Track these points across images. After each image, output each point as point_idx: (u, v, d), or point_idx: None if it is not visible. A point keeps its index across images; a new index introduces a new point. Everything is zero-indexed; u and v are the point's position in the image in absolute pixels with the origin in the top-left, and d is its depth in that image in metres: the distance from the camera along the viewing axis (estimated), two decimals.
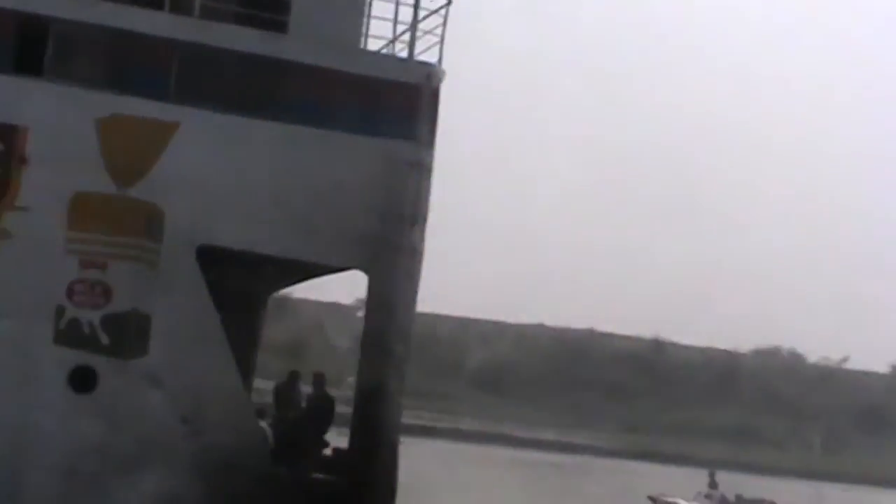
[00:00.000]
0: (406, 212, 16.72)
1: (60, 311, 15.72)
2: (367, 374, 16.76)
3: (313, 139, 16.52)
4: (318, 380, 18.23)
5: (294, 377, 18.44)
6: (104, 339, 15.81)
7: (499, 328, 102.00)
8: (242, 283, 19.95)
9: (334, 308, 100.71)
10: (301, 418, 17.49)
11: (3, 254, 15.63)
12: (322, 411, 17.38)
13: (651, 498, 41.80)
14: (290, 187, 16.40)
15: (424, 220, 16.98)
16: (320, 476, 16.71)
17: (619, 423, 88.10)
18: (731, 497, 42.20)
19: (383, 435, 16.67)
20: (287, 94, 16.53)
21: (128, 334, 15.88)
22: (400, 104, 16.75)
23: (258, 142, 16.38)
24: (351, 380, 69.22)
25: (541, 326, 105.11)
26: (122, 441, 15.81)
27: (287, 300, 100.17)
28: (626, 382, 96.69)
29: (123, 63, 16.14)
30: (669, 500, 41.70)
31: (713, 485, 42.70)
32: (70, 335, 15.74)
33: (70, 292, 15.74)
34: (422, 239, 16.98)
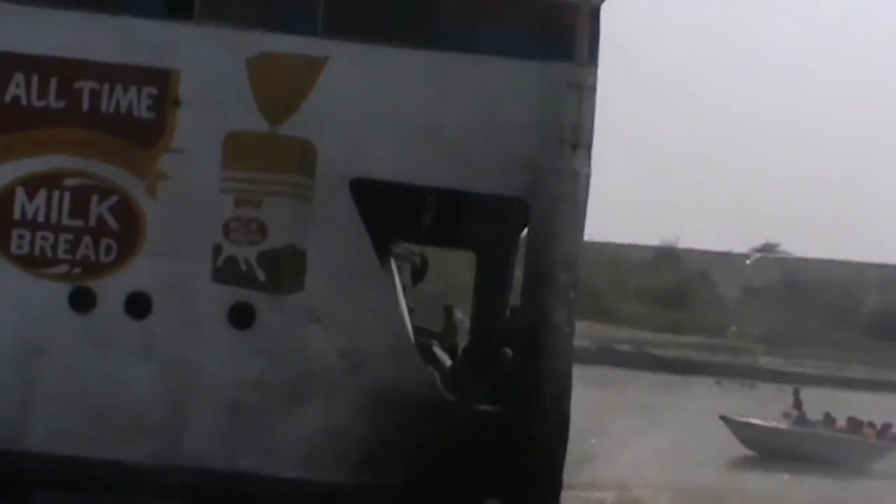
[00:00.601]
0: (566, 135, 16.29)
1: (217, 250, 16.08)
2: (531, 305, 16.41)
3: (466, 65, 16.30)
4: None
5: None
6: (261, 276, 16.08)
7: None
8: (483, 224, 20.03)
9: (723, 257, 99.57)
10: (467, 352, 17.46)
11: (160, 195, 16.12)
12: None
13: (723, 417, 39.50)
14: (443, 116, 16.26)
15: (589, 143, 16.49)
16: (487, 408, 16.55)
17: None
18: (817, 417, 39.30)
19: (550, 365, 16.30)
20: (438, 21, 16.34)
21: (284, 270, 16.08)
22: (556, 24, 16.33)
23: (409, 71, 16.30)
24: (734, 328, 68.80)
25: None
26: (282, 376, 16.06)
27: (673, 250, 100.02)
28: None
29: (271, 1, 16.32)
30: (740, 419, 39.37)
31: (797, 404, 39.97)
32: (227, 273, 16.08)
33: (226, 230, 16.08)
34: (587, 163, 16.50)
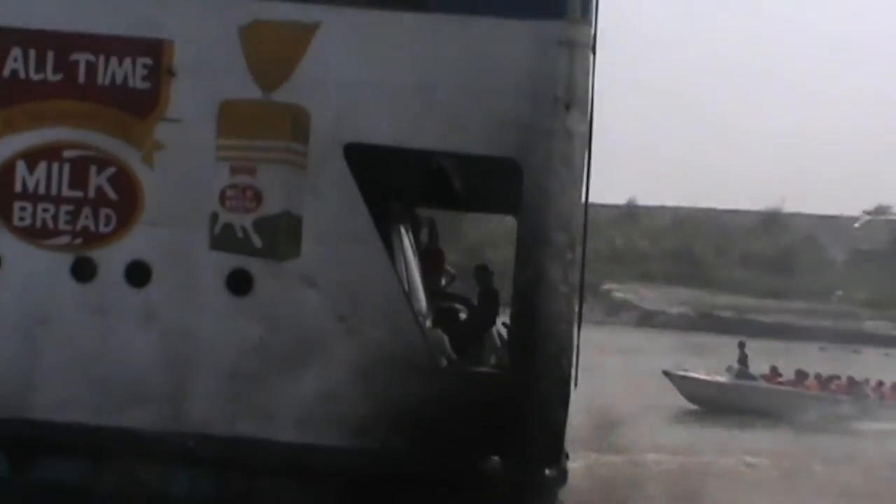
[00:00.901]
0: (559, 94, 16.23)
1: (214, 217, 16.27)
2: (525, 265, 16.38)
3: (457, 26, 16.30)
4: (482, 273, 18.10)
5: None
6: (257, 242, 16.25)
7: None
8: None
9: (831, 221, 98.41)
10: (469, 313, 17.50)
11: (157, 165, 16.36)
12: (486, 305, 17.27)
13: (665, 372, 38.98)
14: (435, 78, 16.27)
15: (584, 102, 16.44)
16: (484, 369, 16.60)
17: None
18: (762, 370, 38.65)
19: (547, 326, 16.27)
20: None
21: (279, 236, 16.23)
22: None
23: (400, 34, 16.33)
24: (840, 293, 68.57)
25: None
26: (281, 341, 16.22)
27: (778, 215, 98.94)
28: None
29: None
30: (681, 373, 38.87)
31: (742, 358, 39.36)
32: (224, 240, 16.26)
33: (222, 198, 16.26)
34: (582, 122, 16.45)
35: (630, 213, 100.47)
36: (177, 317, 16.30)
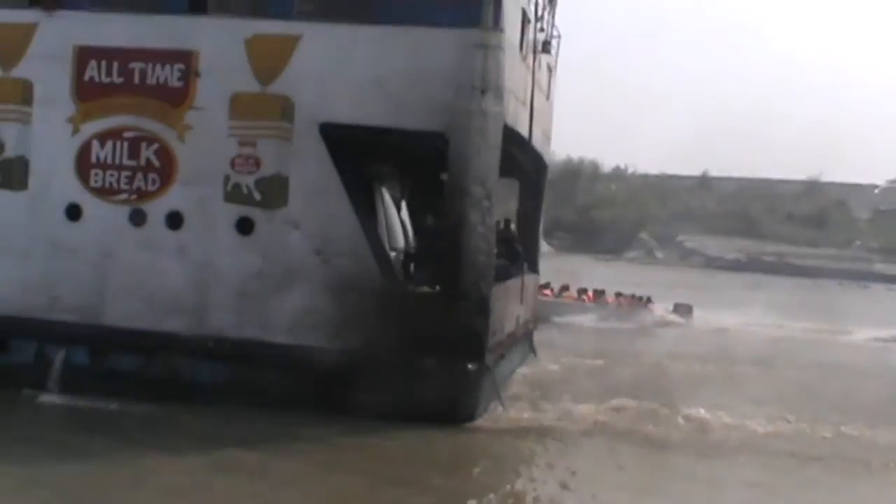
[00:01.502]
0: (476, 83, 15.78)
1: (227, 178, 16.26)
2: (451, 212, 15.96)
3: (401, 35, 15.98)
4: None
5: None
6: (257, 196, 16.20)
7: None
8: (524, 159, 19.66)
9: (858, 188, 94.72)
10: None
11: (187, 141, 16.37)
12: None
13: None
14: (386, 74, 15.96)
15: (496, 89, 15.92)
16: (425, 290, 16.23)
17: None
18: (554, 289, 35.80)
19: (466, 257, 15.87)
20: (380, 4, 16.14)
21: (273, 191, 16.17)
22: (467, 1, 15.82)
23: (361, 42, 16.08)
24: (858, 242, 65.51)
25: None
26: (274, 269, 16.16)
27: (815, 184, 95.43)
28: None
29: None
30: None
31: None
32: (234, 195, 16.26)
33: (233, 164, 16.23)
34: (495, 104, 15.95)
35: (703, 182, 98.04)
36: (201, 251, 16.34)
